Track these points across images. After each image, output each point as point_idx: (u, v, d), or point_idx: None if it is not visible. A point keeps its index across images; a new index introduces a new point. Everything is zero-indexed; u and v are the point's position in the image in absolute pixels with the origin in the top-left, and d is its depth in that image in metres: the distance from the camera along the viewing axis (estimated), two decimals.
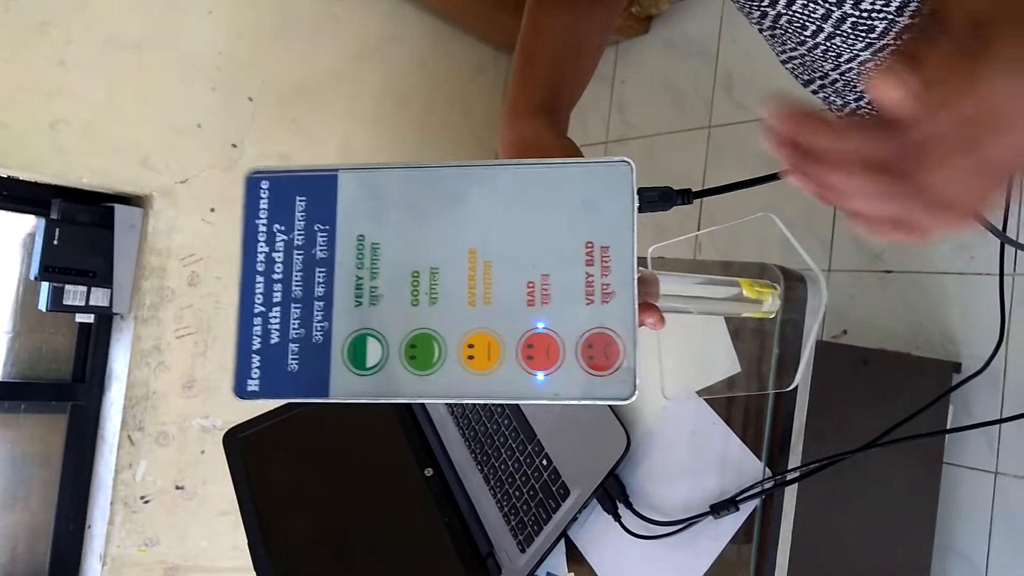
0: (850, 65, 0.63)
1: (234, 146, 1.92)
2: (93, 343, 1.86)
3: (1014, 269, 1.50)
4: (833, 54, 0.62)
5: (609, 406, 0.87)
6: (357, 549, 0.96)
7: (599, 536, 0.87)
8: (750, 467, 0.77)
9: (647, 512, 0.82)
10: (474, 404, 1.01)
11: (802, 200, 1.81)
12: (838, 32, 0.58)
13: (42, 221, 1.70)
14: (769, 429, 0.77)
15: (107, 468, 1.78)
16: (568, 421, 0.90)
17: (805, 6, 0.57)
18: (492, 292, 0.38)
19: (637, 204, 0.38)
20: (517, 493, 0.92)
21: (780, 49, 0.68)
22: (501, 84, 2.50)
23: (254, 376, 0.38)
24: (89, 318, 1.84)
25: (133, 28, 1.74)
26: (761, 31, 0.67)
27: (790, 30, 0.62)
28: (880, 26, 0.56)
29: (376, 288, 0.38)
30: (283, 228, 0.39)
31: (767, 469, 0.76)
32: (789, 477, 0.77)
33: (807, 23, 0.59)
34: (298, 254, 0.39)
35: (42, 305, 1.72)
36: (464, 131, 2.42)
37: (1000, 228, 0.54)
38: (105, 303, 1.76)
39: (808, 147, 0.31)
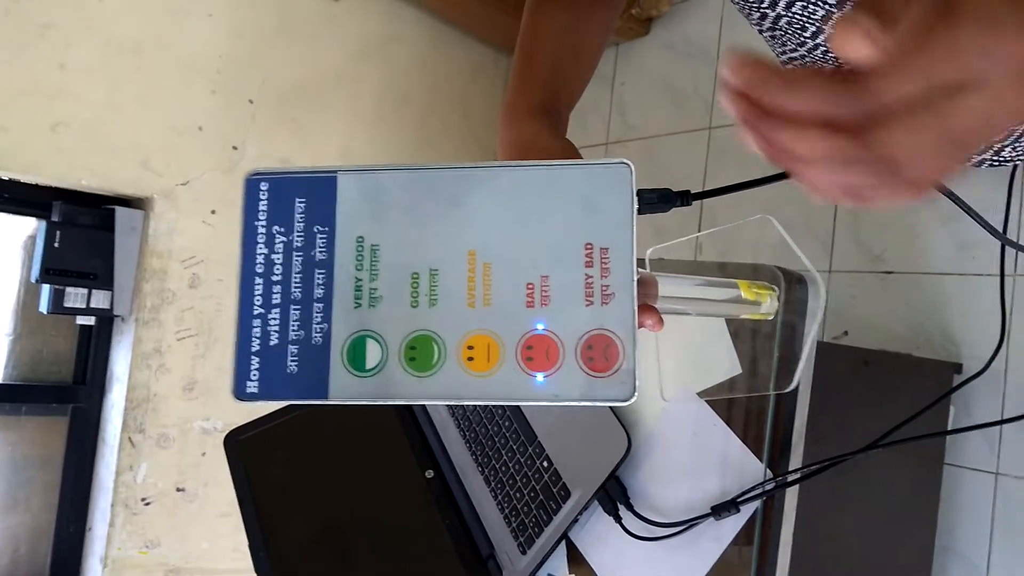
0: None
1: (235, 148, 1.92)
2: (94, 345, 1.86)
3: (1015, 270, 1.50)
4: (833, 56, 0.62)
5: (610, 407, 0.87)
6: (358, 551, 0.96)
7: (600, 537, 0.87)
8: (751, 468, 0.77)
9: (648, 513, 0.82)
10: (475, 406, 1.01)
11: (802, 201, 1.81)
12: None
13: (43, 223, 1.70)
14: (770, 430, 0.77)
15: (108, 470, 1.78)
16: (569, 423, 0.90)
17: (805, 7, 0.57)
18: (492, 294, 0.38)
19: (636, 206, 0.38)
20: (518, 495, 0.92)
21: (780, 50, 0.68)
22: (501, 85, 2.51)
23: (253, 378, 0.38)
24: (90, 320, 1.84)
25: (133, 30, 1.74)
26: (761, 32, 0.67)
27: (790, 31, 0.62)
28: None
29: (376, 289, 0.38)
30: (282, 230, 0.39)
31: (768, 470, 0.76)
32: (790, 478, 0.77)
33: (807, 24, 0.59)
34: (297, 255, 0.39)
35: (43, 307, 1.72)
36: (464, 132, 2.42)
37: (1000, 230, 0.53)
38: (106, 305, 1.76)
39: (761, 101, 0.29)
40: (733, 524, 0.77)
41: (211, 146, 1.88)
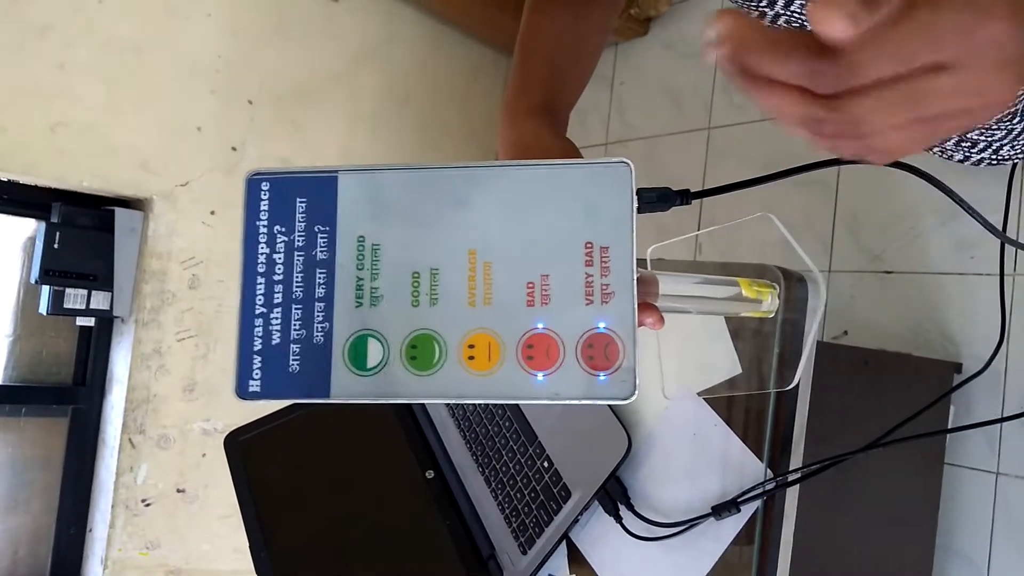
0: None
1: (234, 149, 1.92)
2: (94, 346, 1.86)
3: (1014, 269, 1.50)
4: None
5: (610, 407, 0.87)
6: (358, 551, 0.96)
7: (600, 538, 0.87)
8: (751, 468, 0.77)
9: (648, 514, 0.82)
10: (475, 405, 1.01)
11: (802, 201, 1.81)
12: None
13: (42, 225, 1.70)
14: (770, 430, 0.77)
15: (108, 471, 1.77)
16: (569, 423, 0.90)
17: (803, 6, 0.57)
18: (492, 293, 0.38)
19: (636, 205, 0.38)
20: (518, 495, 0.92)
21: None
22: (501, 85, 2.51)
23: (255, 377, 0.38)
24: (90, 321, 1.84)
25: (132, 31, 1.74)
26: None
27: (789, 30, 0.62)
28: None
29: (377, 289, 0.38)
30: (284, 229, 0.39)
31: (768, 470, 0.76)
32: (791, 478, 0.77)
33: (806, 23, 0.59)
34: (299, 255, 0.39)
35: (43, 309, 1.72)
36: (464, 132, 2.42)
37: (999, 228, 0.54)
38: (106, 306, 1.76)
39: (744, 63, 0.29)
40: (734, 524, 0.77)
41: (210, 147, 1.88)
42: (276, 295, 0.38)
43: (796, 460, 0.78)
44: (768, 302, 0.53)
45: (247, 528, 0.95)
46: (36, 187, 1.70)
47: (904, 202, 1.69)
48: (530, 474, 0.91)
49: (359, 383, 0.38)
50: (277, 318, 0.38)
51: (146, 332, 1.78)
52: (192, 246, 1.84)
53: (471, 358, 0.37)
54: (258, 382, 0.38)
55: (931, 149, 0.74)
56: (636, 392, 0.36)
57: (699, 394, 0.81)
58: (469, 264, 0.38)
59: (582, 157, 0.48)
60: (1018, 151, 0.70)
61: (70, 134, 1.66)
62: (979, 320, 1.56)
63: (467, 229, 0.38)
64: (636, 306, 0.37)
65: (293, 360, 0.38)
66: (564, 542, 0.88)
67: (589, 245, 0.38)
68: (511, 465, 0.94)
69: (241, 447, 1.02)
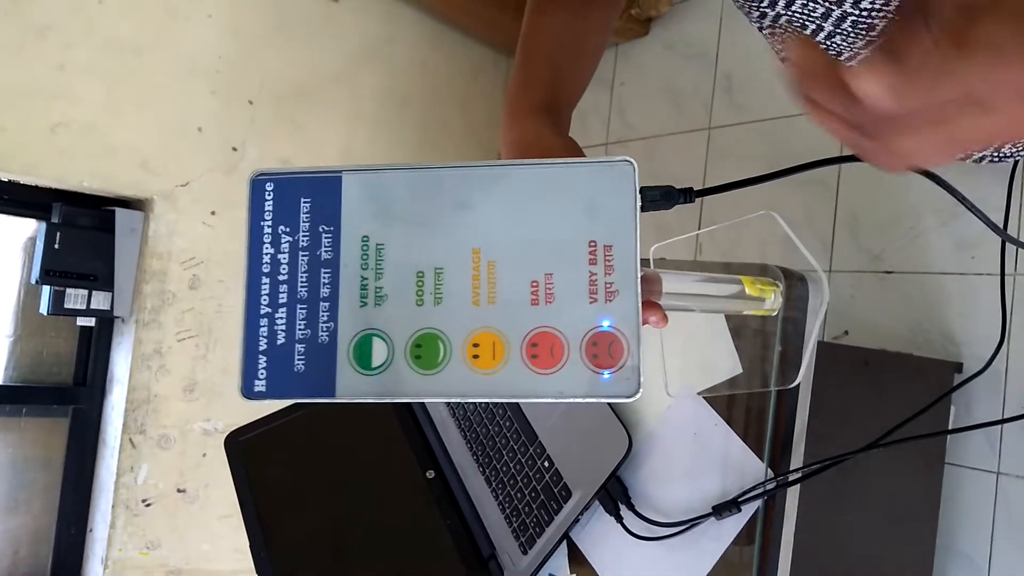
0: (851, 64, 0.63)
1: (234, 149, 1.92)
2: (94, 347, 1.86)
3: (1015, 269, 1.50)
4: (833, 53, 0.62)
5: (611, 407, 0.87)
6: (359, 551, 0.96)
7: (601, 537, 0.87)
8: (752, 468, 0.77)
9: (649, 513, 0.82)
10: (475, 405, 1.01)
11: (802, 201, 1.81)
12: (838, 31, 0.59)
13: (43, 225, 1.70)
14: (771, 430, 0.77)
15: (108, 472, 1.77)
16: (570, 423, 0.90)
17: (805, 5, 0.57)
18: (496, 292, 0.38)
19: (640, 203, 0.38)
20: (519, 495, 0.92)
21: (779, 48, 0.68)
22: (501, 85, 2.51)
23: (261, 377, 0.38)
24: (90, 322, 1.84)
25: (132, 32, 1.74)
26: (761, 30, 0.67)
27: (790, 29, 0.62)
28: (880, 25, 0.56)
29: (381, 288, 0.38)
30: (288, 230, 0.39)
31: (769, 470, 0.76)
32: (791, 478, 0.77)
33: (807, 22, 0.59)
34: (303, 255, 0.39)
35: (43, 309, 1.72)
36: (464, 132, 2.42)
37: (1000, 226, 0.54)
38: (106, 307, 1.76)
39: (801, 87, 0.33)
40: (734, 524, 0.77)
41: (211, 147, 1.88)
42: (281, 295, 0.38)
43: (797, 460, 0.78)
44: (771, 300, 0.53)
45: (247, 528, 0.95)
46: (36, 187, 1.70)
47: (904, 202, 1.69)
48: (531, 474, 0.91)
49: (364, 382, 0.38)
50: (282, 318, 0.38)
51: (146, 332, 1.78)
52: (192, 246, 1.84)
53: (476, 357, 0.37)
54: (263, 382, 0.38)
55: None
56: (640, 390, 0.36)
57: (700, 393, 0.81)
58: (473, 263, 0.38)
59: (585, 156, 0.48)
60: (1019, 148, 0.70)
61: (70, 134, 1.66)
62: (980, 320, 1.56)
63: (471, 228, 0.38)
64: (640, 304, 0.37)
65: (298, 360, 0.38)
66: (565, 542, 0.88)
67: (593, 244, 0.38)
68: (512, 465, 0.94)
69: (241, 447, 1.02)
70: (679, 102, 2.20)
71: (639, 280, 0.37)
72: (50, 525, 1.82)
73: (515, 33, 0.64)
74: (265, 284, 0.39)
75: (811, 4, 0.57)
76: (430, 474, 1.01)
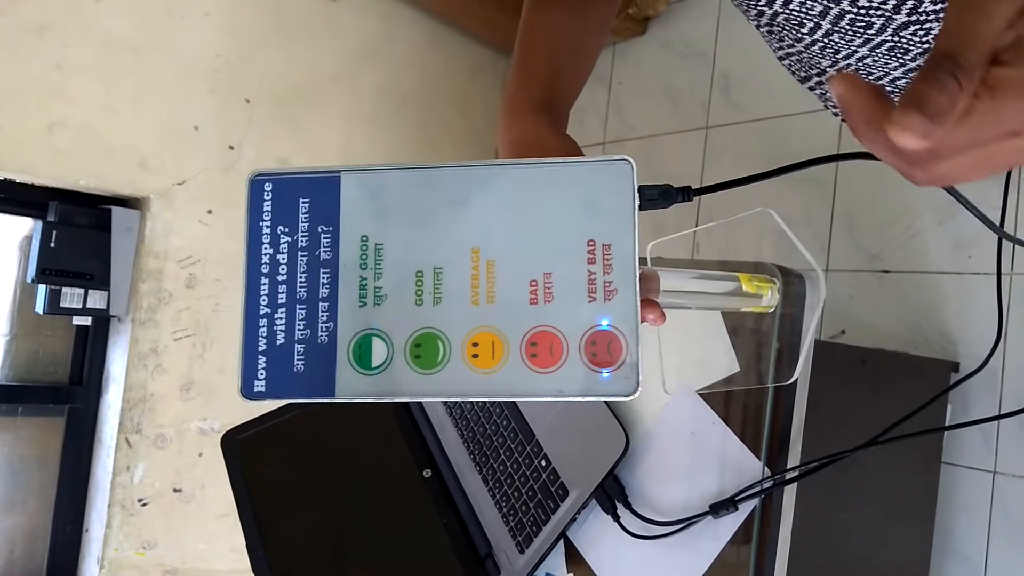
0: (848, 62, 0.63)
1: (232, 148, 1.92)
2: (90, 346, 1.86)
3: (1011, 268, 1.50)
4: (831, 51, 0.62)
5: (608, 406, 0.87)
6: (355, 550, 0.96)
7: (598, 537, 0.87)
8: (749, 467, 0.77)
9: (646, 512, 0.82)
10: (473, 404, 1.01)
11: (799, 201, 1.81)
12: (836, 29, 0.59)
13: (39, 223, 1.70)
14: (768, 429, 0.77)
15: (104, 471, 1.77)
16: (567, 421, 0.90)
17: (803, 3, 0.57)
18: (495, 291, 0.38)
19: (638, 202, 0.38)
20: (516, 494, 0.92)
21: (777, 46, 0.68)
22: (499, 85, 2.51)
23: (260, 377, 0.38)
24: (86, 321, 1.83)
25: (130, 30, 1.74)
26: (758, 28, 0.67)
27: (787, 27, 0.62)
28: (878, 23, 0.56)
29: (380, 288, 0.38)
30: (287, 230, 0.39)
31: (766, 468, 0.76)
32: (788, 476, 0.77)
33: (805, 20, 0.59)
34: (302, 255, 0.39)
35: (39, 308, 1.72)
36: (463, 132, 2.42)
37: (998, 224, 0.54)
38: (102, 306, 1.76)
39: (847, 119, 0.35)
40: (731, 522, 0.77)
41: (208, 146, 1.88)
42: (280, 295, 0.38)
43: (794, 459, 0.78)
44: (768, 297, 0.53)
45: (244, 527, 0.95)
46: (33, 186, 1.70)
47: (902, 201, 1.69)
48: (527, 473, 0.91)
49: (363, 382, 0.38)
50: (281, 318, 0.38)
51: (143, 331, 1.77)
52: (189, 245, 1.84)
53: (475, 356, 0.37)
54: (263, 382, 0.38)
55: None
56: (639, 388, 0.36)
57: (697, 391, 0.81)
58: (472, 263, 0.38)
59: (583, 155, 0.48)
60: None
61: (67, 133, 1.66)
62: (976, 319, 1.56)
63: (470, 228, 0.38)
64: (639, 303, 0.37)
65: (298, 360, 0.38)
66: (562, 541, 0.88)
67: (591, 242, 0.38)
68: (508, 464, 0.94)
69: (238, 446, 1.02)
70: (677, 101, 2.20)
71: (638, 279, 0.37)
72: (46, 524, 1.82)
73: (513, 33, 0.64)
74: (264, 284, 0.39)
75: (809, 2, 0.57)
76: (427, 473, 1.01)
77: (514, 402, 0.96)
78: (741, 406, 0.79)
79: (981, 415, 1.49)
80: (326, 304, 0.38)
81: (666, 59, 2.24)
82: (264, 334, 0.38)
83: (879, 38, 0.57)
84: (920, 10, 0.53)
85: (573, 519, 0.85)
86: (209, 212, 1.87)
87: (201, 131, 1.87)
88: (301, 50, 2.05)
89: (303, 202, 0.39)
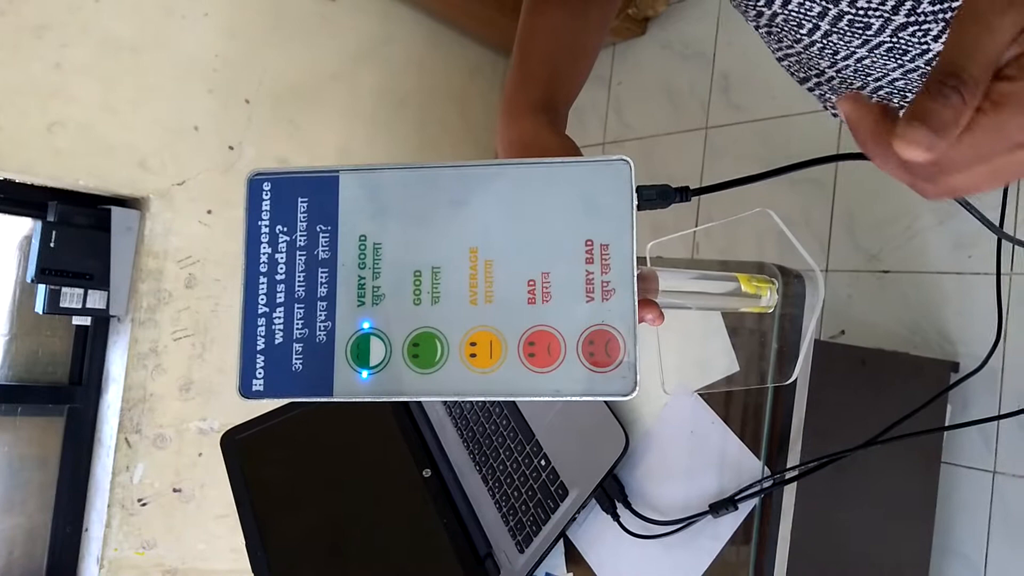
0: (847, 63, 0.63)
1: (231, 148, 1.92)
2: (90, 346, 1.86)
3: (1011, 268, 1.51)
4: (830, 52, 0.62)
5: (608, 405, 0.87)
6: (355, 550, 0.96)
7: (598, 536, 0.87)
8: (749, 466, 0.77)
9: (646, 512, 0.82)
10: (472, 404, 1.01)
11: (799, 201, 1.81)
12: (834, 30, 0.59)
13: (39, 223, 1.70)
14: (768, 428, 0.77)
15: (104, 471, 1.77)
16: (567, 421, 0.90)
17: (801, 4, 0.57)
18: (493, 290, 0.38)
19: (636, 202, 0.38)
20: (515, 493, 0.92)
21: (776, 47, 0.68)
22: (498, 85, 2.51)
23: (259, 376, 0.38)
24: (86, 321, 1.83)
25: (129, 31, 1.74)
26: (757, 29, 0.67)
27: (786, 28, 0.62)
28: (876, 24, 0.56)
29: (378, 288, 0.38)
30: (285, 229, 0.39)
31: (766, 468, 0.76)
32: (788, 476, 0.77)
33: (803, 21, 0.59)
34: (301, 255, 0.39)
35: (39, 308, 1.72)
36: (461, 132, 2.42)
37: (997, 224, 0.54)
38: (102, 306, 1.76)
39: (856, 139, 0.35)
40: (731, 522, 0.77)
41: (207, 146, 1.88)
42: (279, 295, 0.39)
43: (793, 458, 0.78)
44: (767, 297, 0.53)
45: (244, 527, 0.95)
46: (32, 186, 1.70)
47: (901, 201, 1.69)
48: (527, 472, 0.91)
49: (361, 382, 0.38)
50: (280, 317, 0.38)
51: (142, 331, 1.77)
52: (189, 245, 1.84)
53: (473, 356, 0.38)
54: (261, 381, 0.38)
55: None
56: (637, 388, 0.36)
57: (697, 390, 0.82)
58: (470, 262, 0.38)
59: (582, 155, 0.48)
60: None
61: (67, 133, 1.66)
62: (976, 319, 1.56)
63: (468, 227, 0.39)
64: (637, 303, 0.37)
65: (296, 359, 0.38)
66: (561, 541, 0.88)
67: (589, 242, 0.38)
68: (508, 463, 0.94)
69: (237, 446, 1.02)
70: (676, 101, 2.20)
71: (635, 279, 0.37)
72: (45, 525, 1.82)
73: (512, 33, 0.64)
74: (263, 284, 0.39)
75: (807, 3, 0.57)
76: (427, 473, 1.01)
77: (513, 402, 0.96)
78: (741, 406, 0.79)
79: (981, 415, 1.49)
80: (324, 303, 0.38)
81: (666, 60, 2.24)
82: (262, 333, 0.38)
83: (877, 39, 0.57)
84: (919, 11, 0.53)
85: (573, 519, 0.85)
86: (209, 212, 1.87)
87: (201, 131, 1.87)
88: (300, 50, 2.06)
89: (302, 201, 0.39)
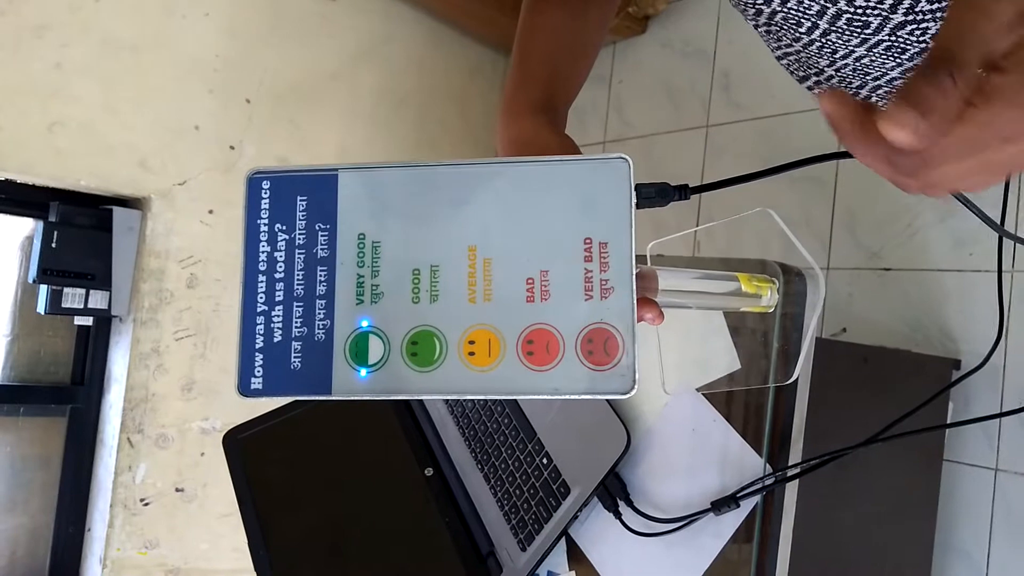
0: (846, 61, 0.63)
1: (232, 148, 1.92)
2: (92, 346, 1.86)
3: (1012, 266, 1.50)
4: (829, 50, 0.62)
5: (609, 403, 0.87)
6: (357, 548, 0.96)
7: (600, 534, 0.87)
8: (751, 463, 0.77)
9: (648, 510, 0.82)
10: (474, 403, 1.01)
11: (799, 199, 1.81)
12: (833, 28, 0.59)
13: (40, 224, 1.70)
14: (769, 425, 0.77)
15: (107, 471, 1.77)
16: (568, 419, 0.90)
17: (800, 3, 0.57)
18: (492, 289, 0.38)
19: (635, 200, 0.38)
20: (517, 492, 0.92)
21: (776, 45, 0.68)
22: (498, 84, 2.51)
23: (258, 374, 0.38)
24: (88, 321, 1.84)
25: (130, 30, 1.74)
26: (756, 28, 0.67)
27: (785, 27, 0.62)
28: (875, 22, 0.56)
29: (377, 286, 0.38)
30: (284, 228, 0.39)
31: (768, 465, 0.76)
32: (790, 473, 0.77)
33: (802, 20, 0.59)
34: (300, 253, 0.39)
35: (41, 308, 1.72)
36: (461, 131, 2.42)
37: (998, 222, 0.54)
38: (104, 306, 1.76)
39: (838, 135, 0.35)
40: (733, 519, 0.77)
41: (208, 146, 1.88)
42: (277, 293, 0.39)
43: (795, 455, 0.78)
44: (767, 297, 0.53)
45: (246, 526, 0.95)
46: (34, 186, 1.70)
47: (902, 199, 1.69)
48: (529, 471, 0.91)
49: (360, 380, 0.38)
50: (279, 316, 0.38)
51: (144, 331, 1.78)
52: (190, 245, 1.84)
53: (471, 354, 0.38)
54: (260, 379, 0.38)
55: None
56: (636, 387, 0.36)
57: (698, 389, 0.82)
58: (469, 261, 0.38)
59: (581, 153, 0.48)
60: None
61: (68, 133, 1.66)
62: (977, 316, 1.56)
63: (467, 226, 0.39)
64: (635, 301, 0.37)
65: (295, 357, 0.38)
66: (563, 539, 0.88)
67: (588, 241, 0.38)
68: (510, 462, 0.94)
69: (240, 445, 1.03)
70: (677, 100, 2.20)
71: (634, 277, 0.37)
72: (48, 525, 1.83)
73: (512, 32, 0.64)
74: (262, 282, 0.39)
75: (806, 1, 0.57)
76: (428, 471, 1.01)
77: (515, 400, 0.96)
78: (742, 403, 0.79)
79: (983, 412, 1.48)
80: (323, 302, 0.38)
81: (666, 58, 2.24)
82: (261, 332, 0.38)
83: (876, 37, 0.57)
84: (917, 9, 0.53)
85: (575, 517, 0.85)
86: (210, 212, 1.87)
87: (202, 131, 1.87)
88: (300, 49, 2.06)
89: (301, 200, 0.39)
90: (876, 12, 0.55)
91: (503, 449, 0.95)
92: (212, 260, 1.87)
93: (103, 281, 1.75)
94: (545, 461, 0.90)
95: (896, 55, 0.59)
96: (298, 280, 0.39)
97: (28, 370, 1.81)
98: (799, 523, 0.79)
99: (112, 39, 1.71)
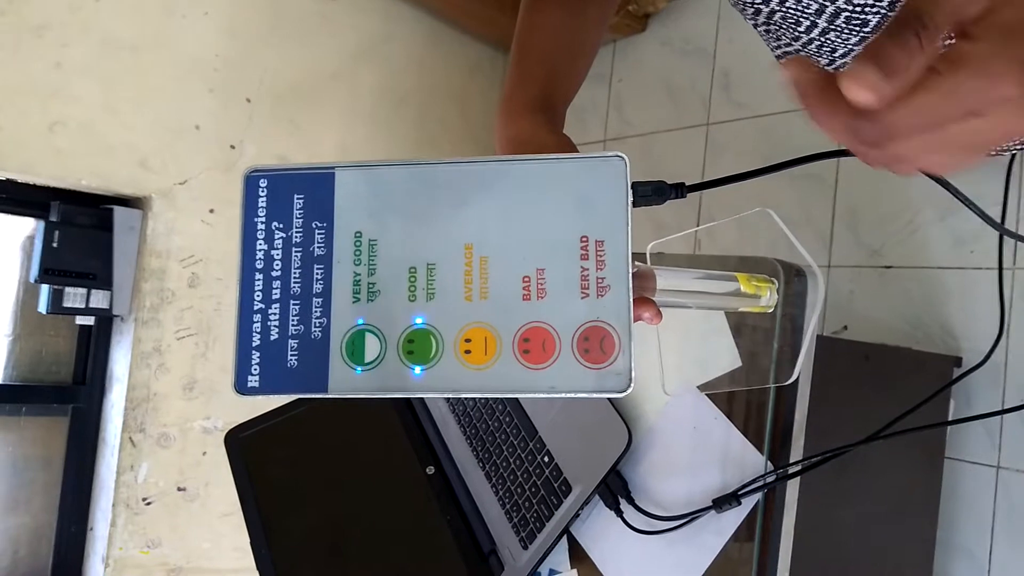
0: (844, 60, 0.63)
1: (232, 147, 1.92)
2: (93, 345, 1.86)
3: (1013, 263, 1.50)
4: (827, 49, 0.62)
5: (610, 402, 0.87)
6: (359, 547, 0.96)
7: (601, 532, 0.87)
8: (752, 461, 0.77)
9: (649, 507, 0.82)
10: (475, 401, 1.01)
11: (800, 197, 1.81)
12: (832, 27, 0.59)
13: (41, 223, 1.70)
14: (770, 423, 0.77)
15: (108, 470, 1.78)
16: (569, 417, 0.90)
17: (799, 1, 0.57)
18: (488, 287, 0.38)
19: (631, 198, 0.38)
20: (519, 490, 0.92)
21: (775, 44, 0.68)
22: (498, 83, 2.51)
23: (254, 372, 0.38)
24: (89, 320, 1.84)
25: (130, 30, 1.74)
26: (755, 27, 0.67)
27: (784, 26, 0.62)
28: (873, 20, 0.56)
29: (374, 284, 0.38)
30: (281, 226, 0.39)
31: (769, 463, 0.76)
32: (791, 471, 0.77)
33: (801, 18, 0.59)
34: (296, 251, 0.39)
35: (42, 308, 1.72)
36: (461, 130, 2.42)
37: (998, 220, 0.54)
38: (105, 305, 1.76)
39: (803, 104, 0.35)
40: (734, 517, 0.77)
41: (209, 145, 1.88)
42: (274, 291, 0.39)
43: (796, 453, 0.78)
44: (767, 297, 0.53)
45: (248, 524, 0.95)
46: (35, 186, 1.70)
47: (903, 196, 1.69)
48: (530, 469, 0.91)
49: (356, 378, 0.38)
50: (275, 314, 0.38)
51: (146, 331, 1.78)
52: (191, 244, 1.84)
53: (468, 352, 0.38)
54: (257, 377, 0.38)
55: None
56: (632, 385, 0.36)
57: (699, 388, 0.81)
58: (466, 259, 0.38)
59: (578, 152, 0.48)
60: (1015, 142, 0.70)
61: (68, 133, 1.66)
62: (979, 314, 1.56)
63: (464, 224, 0.39)
64: (632, 300, 0.37)
65: (291, 355, 0.38)
66: (565, 537, 0.88)
67: (585, 239, 0.38)
68: (511, 460, 0.94)
69: (241, 444, 1.03)
70: (677, 98, 2.20)
71: (630, 275, 0.37)
72: (50, 524, 1.83)
73: (512, 31, 0.64)
74: (259, 280, 0.39)
75: (804, 0, 0.57)
76: (430, 470, 1.01)
77: (516, 398, 0.96)
78: (743, 401, 0.79)
79: (984, 410, 1.48)
80: (320, 300, 0.39)
81: (666, 56, 2.24)
82: (258, 329, 0.39)
83: (875, 36, 0.57)
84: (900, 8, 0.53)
85: (576, 515, 0.85)
86: (211, 211, 1.87)
87: (202, 130, 1.87)
88: (300, 49, 2.06)
89: (298, 198, 0.39)
90: (875, 10, 0.55)
91: (504, 447, 0.95)
92: (213, 259, 1.87)
93: (104, 281, 1.75)
94: (547, 459, 0.90)
95: None
96: (295, 278, 0.39)
97: (30, 370, 1.82)
98: (800, 521, 0.79)
99: (112, 39, 1.71)
